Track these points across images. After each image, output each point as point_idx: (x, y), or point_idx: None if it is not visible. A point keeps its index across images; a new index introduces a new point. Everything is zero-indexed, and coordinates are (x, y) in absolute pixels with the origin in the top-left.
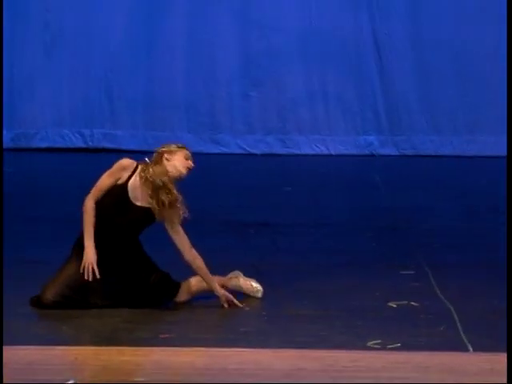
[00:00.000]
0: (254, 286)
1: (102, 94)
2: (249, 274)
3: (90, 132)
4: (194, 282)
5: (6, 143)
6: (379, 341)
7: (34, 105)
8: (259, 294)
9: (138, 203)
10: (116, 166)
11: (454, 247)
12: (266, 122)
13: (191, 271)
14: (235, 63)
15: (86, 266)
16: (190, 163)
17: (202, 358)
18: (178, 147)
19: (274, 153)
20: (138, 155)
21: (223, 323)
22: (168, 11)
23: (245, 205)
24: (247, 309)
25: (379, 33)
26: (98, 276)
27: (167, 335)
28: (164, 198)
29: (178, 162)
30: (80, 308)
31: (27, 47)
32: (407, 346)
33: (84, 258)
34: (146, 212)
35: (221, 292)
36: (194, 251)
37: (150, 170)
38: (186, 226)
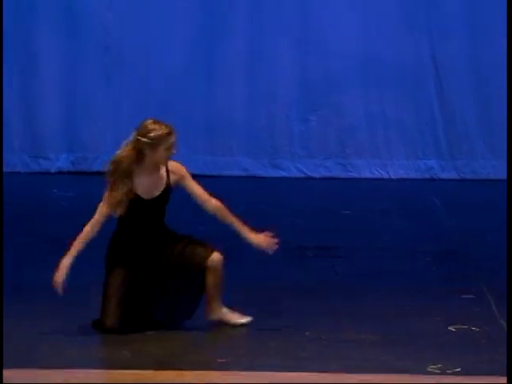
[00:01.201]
0: (238, 321)
1: (162, 117)
2: (307, 298)
3: None
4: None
5: (67, 167)
6: (439, 365)
7: (95, 128)
8: (243, 321)
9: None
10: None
11: None
12: (325, 146)
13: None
14: (295, 87)
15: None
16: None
17: (263, 382)
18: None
19: (334, 177)
20: (197, 179)
21: (282, 348)
22: (228, 35)
23: (304, 228)
24: (307, 333)
25: (438, 56)
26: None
27: (225, 359)
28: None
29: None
30: (141, 324)
31: (87, 71)
32: (467, 371)
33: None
34: (162, 197)
35: (255, 237)
36: (214, 200)
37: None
38: (248, 249)
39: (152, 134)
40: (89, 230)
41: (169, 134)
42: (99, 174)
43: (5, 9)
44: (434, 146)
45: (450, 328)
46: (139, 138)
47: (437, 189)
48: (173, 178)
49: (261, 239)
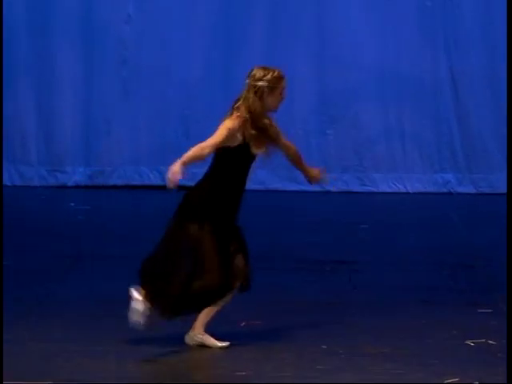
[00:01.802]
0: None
1: (179, 131)
2: (324, 311)
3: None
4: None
5: (84, 180)
6: (457, 379)
7: (112, 142)
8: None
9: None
10: (234, 128)
11: None
12: (342, 160)
13: None
14: (312, 101)
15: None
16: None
17: None
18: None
19: (351, 190)
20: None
21: (300, 361)
22: (245, 49)
23: (321, 242)
24: (324, 347)
25: (456, 70)
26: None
27: (244, 373)
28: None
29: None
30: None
31: (104, 84)
32: None
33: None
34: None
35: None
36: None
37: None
38: (263, 262)
39: (269, 77)
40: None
41: (282, 76)
42: (116, 187)
43: (22, 21)
44: (451, 159)
45: (467, 342)
46: (257, 83)
47: (454, 203)
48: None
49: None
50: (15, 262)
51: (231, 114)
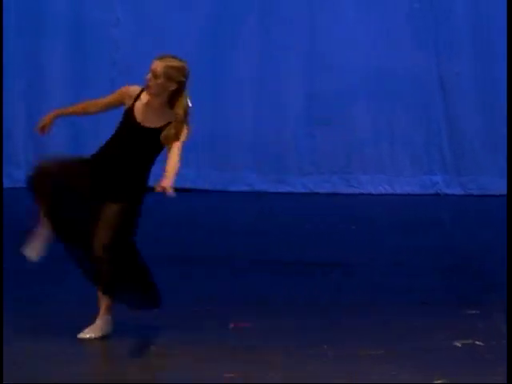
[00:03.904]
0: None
1: None
2: (312, 313)
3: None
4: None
5: None
6: (445, 380)
7: (100, 142)
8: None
9: (143, 124)
10: (121, 91)
11: None
12: (331, 162)
13: None
14: (300, 102)
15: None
16: None
17: None
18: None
19: (339, 192)
20: (203, 194)
21: (288, 363)
22: (236, 49)
23: (309, 244)
24: (313, 349)
25: (446, 72)
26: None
27: (231, 374)
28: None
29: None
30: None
31: (94, 86)
32: None
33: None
34: (150, 133)
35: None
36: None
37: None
38: (252, 264)
39: None
40: (88, 104)
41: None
42: None
43: (12, 23)
44: (439, 161)
45: (455, 343)
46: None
47: (442, 204)
48: (169, 128)
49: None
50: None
51: None
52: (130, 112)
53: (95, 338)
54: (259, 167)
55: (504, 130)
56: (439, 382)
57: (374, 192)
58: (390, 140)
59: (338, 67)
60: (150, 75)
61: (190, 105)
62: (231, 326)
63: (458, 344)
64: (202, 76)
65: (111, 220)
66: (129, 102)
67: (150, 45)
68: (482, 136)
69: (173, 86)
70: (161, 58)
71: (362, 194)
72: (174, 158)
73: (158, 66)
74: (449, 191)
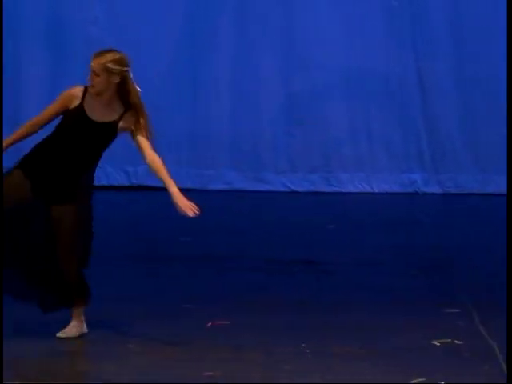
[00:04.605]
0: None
1: None
2: (290, 312)
3: (134, 169)
4: None
5: None
6: (423, 379)
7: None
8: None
9: (98, 120)
10: (62, 94)
11: (499, 285)
12: (309, 160)
13: None
14: (279, 101)
15: None
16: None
17: None
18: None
19: (318, 191)
20: (182, 193)
21: (268, 361)
22: (212, 49)
23: (288, 242)
24: (292, 346)
25: (423, 71)
26: None
27: (211, 373)
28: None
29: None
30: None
31: (71, 83)
32: None
33: None
34: (107, 127)
35: (180, 199)
36: (154, 153)
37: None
38: (231, 262)
39: None
40: (31, 122)
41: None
42: None
43: None
44: (417, 160)
45: (433, 342)
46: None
47: (420, 202)
48: (127, 116)
49: (184, 203)
50: None
51: None
52: (80, 111)
53: (73, 338)
54: (238, 166)
55: (483, 129)
56: (416, 381)
57: (352, 190)
58: (368, 139)
59: (316, 66)
60: (90, 74)
61: (140, 90)
62: (208, 324)
63: (437, 343)
64: (179, 76)
65: (69, 232)
66: (76, 103)
67: (128, 44)
68: (461, 134)
69: (116, 79)
70: (97, 54)
71: (341, 193)
72: (163, 173)
73: (96, 63)
74: (427, 190)
